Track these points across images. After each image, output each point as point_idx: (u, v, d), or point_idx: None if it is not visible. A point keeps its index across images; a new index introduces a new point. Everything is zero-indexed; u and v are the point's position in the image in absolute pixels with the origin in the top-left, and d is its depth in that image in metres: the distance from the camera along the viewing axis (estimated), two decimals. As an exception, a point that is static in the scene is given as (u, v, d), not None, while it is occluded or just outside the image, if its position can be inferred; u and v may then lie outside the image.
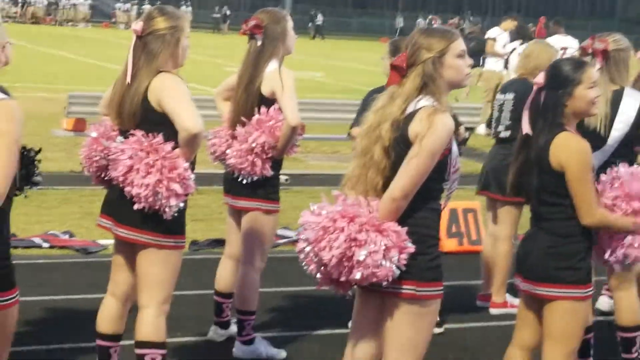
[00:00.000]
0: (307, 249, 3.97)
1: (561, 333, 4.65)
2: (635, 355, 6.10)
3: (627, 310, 6.04)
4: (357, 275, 3.87)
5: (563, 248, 4.61)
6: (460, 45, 4.15)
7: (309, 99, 17.04)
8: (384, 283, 3.94)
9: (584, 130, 5.67)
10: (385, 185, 4.02)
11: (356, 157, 4.17)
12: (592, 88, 4.63)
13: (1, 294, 3.63)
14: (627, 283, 6.02)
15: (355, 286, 4.10)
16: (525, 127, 4.70)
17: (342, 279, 3.94)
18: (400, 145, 4.02)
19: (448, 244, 9.55)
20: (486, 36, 18.55)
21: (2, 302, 3.64)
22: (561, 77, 4.61)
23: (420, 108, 4.03)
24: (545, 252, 4.64)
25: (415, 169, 3.96)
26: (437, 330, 6.85)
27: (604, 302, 7.45)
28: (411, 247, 3.94)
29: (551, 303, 4.64)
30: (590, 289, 4.66)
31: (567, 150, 4.55)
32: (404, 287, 4.01)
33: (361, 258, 3.85)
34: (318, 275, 4.03)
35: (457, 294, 7.92)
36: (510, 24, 18.05)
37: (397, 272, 3.93)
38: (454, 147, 4.12)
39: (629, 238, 4.73)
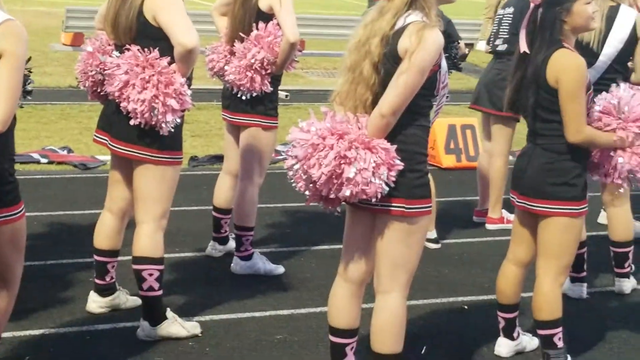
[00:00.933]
0: (296, 166, 3.97)
1: (556, 248, 4.69)
2: (628, 269, 6.17)
3: (621, 226, 6.09)
4: (347, 192, 3.88)
5: (559, 164, 4.62)
6: None
7: (309, 15, 16.94)
8: (373, 200, 3.95)
9: (577, 45, 5.68)
10: (375, 101, 4.01)
11: (345, 72, 4.13)
12: (589, 3, 4.60)
13: (10, 209, 3.70)
14: (621, 199, 6.06)
15: (344, 203, 4.12)
16: (523, 45, 4.68)
17: (332, 196, 3.96)
18: (389, 61, 3.99)
19: (446, 160, 9.59)
20: None
21: (10, 216, 3.70)
22: None
23: (409, 23, 4.00)
24: (541, 169, 4.65)
25: (404, 85, 3.94)
26: (434, 246, 6.92)
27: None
28: (400, 165, 3.94)
29: (546, 219, 4.67)
30: (585, 205, 4.68)
31: (563, 66, 4.53)
32: (393, 204, 4.03)
33: (351, 175, 3.85)
34: (307, 192, 4.05)
35: (455, 210, 7.99)
36: None
37: (387, 189, 3.94)
38: (443, 63, 4.10)
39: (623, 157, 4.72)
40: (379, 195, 3.92)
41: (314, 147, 3.90)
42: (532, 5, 4.68)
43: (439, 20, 4.11)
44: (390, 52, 3.99)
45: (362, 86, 4.04)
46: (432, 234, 6.94)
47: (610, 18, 5.73)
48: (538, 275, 4.74)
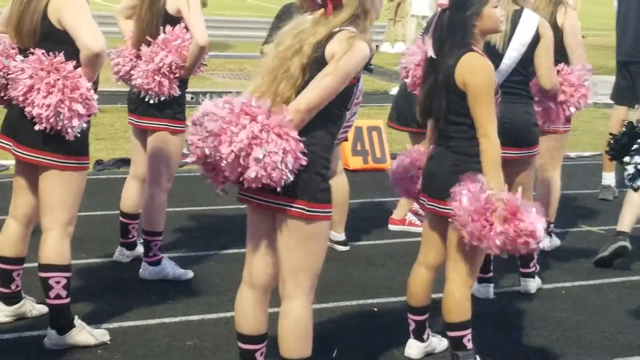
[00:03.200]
0: (209, 140, 3.90)
1: (460, 253, 4.71)
2: (533, 269, 6.29)
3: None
4: (252, 174, 3.82)
5: (468, 166, 4.64)
6: None
7: (214, 16, 16.88)
8: (278, 189, 3.92)
9: (484, 47, 5.77)
10: None
11: (265, 73, 4.11)
12: (496, 7, 4.67)
13: None
14: (525, 200, 6.12)
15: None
16: (430, 50, 4.72)
17: (232, 177, 3.92)
18: (315, 65, 4.01)
19: (353, 162, 9.65)
20: None
21: None
22: None
23: (340, 30, 4.03)
24: (450, 171, 4.67)
25: (326, 86, 3.95)
26: (343, 248, 6.96)
27: None
28: (304, 159, 3.93)
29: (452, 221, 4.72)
30: None
31: (471, 69, 4.59)
32: (295, 205, 4.03)
33: (260, 156, 3.83)
34: (199, 166, 4.00)
35: (363, 211, 8.04)
36: None
37: (291, 178, 3.91)
38: (361, 80, 4.15)
39: None
40: (283, 183, 3.90)
41: (228, 123, 3.87)
42: (439, 9, 4.73)
43: (369, 40, 4.15)
44: (318, 58, 4.00)
45: (286, 84, 4.02)
46: (341, 236, 6.98)
47: (514, 22, 5.84)
48: (447, 277, 4.78)
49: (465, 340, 4.78)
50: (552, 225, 7.23)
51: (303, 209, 4.03)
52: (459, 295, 4.74)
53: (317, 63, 4.00)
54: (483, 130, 4.57)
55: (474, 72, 4.59)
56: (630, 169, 5.04)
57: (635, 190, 5.16)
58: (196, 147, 3.98)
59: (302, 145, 3.93)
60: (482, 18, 4.65)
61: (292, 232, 4.07)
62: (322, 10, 4.11)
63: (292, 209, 4.03)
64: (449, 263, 4.78)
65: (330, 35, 4.02)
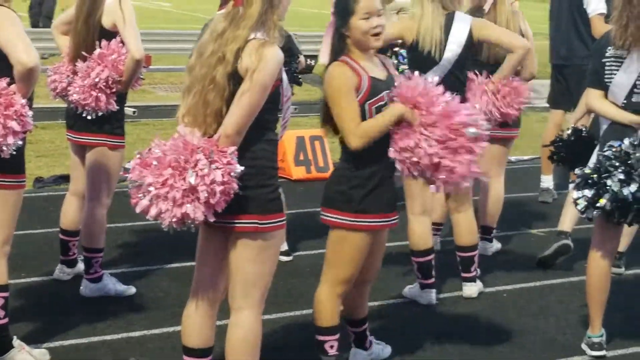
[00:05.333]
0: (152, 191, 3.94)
1: (331, 258, 4.72)
2: (474, 273, 6.34)
3: (466, 231, 6.25)
4: (203, 194, 3.87)
5: (341, 172, 4.65)
6: None
7: (156, 30, 16.81)
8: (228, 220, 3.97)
9: (419, 54, 5.83)
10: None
11: (192, 85, 4.09)
12: (366, 19, 4.55)
13: None
14: (465, 204, 6.22)
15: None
16: (323, 57, 4.73)
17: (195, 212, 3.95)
18: (235, 80, 4.01)
19: (296, 172, 9.65)
20: None
21: None
22: (340, 7, 4.60)
23: (250, 40, 4.03)
24: (330, 177, 4.73)
25: (247, 104, 3.96)
26: (286, 258, 6.96)
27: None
28: (236, 164, 3.95)
29: (332, 228, 4.71)
30: (365, 219, 4.60)
31: (325, 78, 4.59)
32: (247, 221, 4.05)
33: (192, 181, 3.87)
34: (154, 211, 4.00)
35: (306, 221, 8.04)
36: None
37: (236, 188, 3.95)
38: (284, 76, 4.15)
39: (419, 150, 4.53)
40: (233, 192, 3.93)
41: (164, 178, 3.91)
42: (332, 16, 4.71)
43: (281, 36, 4.15)
44: (232, 72, 4.00)
45: (215, 95, 4.02)
46: (284, 247, 6.98)
47: (447, 25, 5.90)
48: (320, 282, 4.79)
49: (327, 346, 4.77)
50: (495, 231, 7.32)
51: (256, 223, 4.06)
52: (325, 301, 4.74)
53: (234, 78, 4.00)
54: (346, 133, 4.51)
55: (326, 81, 4.59)
56: (582, 203, 5.10)
57: (590, 220, 5.23)
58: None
59: (231, 155, 3.94)
60: (350, 29, 4.57)
61: (246, 247, 4.09)
62: (231, 2, 4.09)
63: (246, 224, 4.06)
64: (324, 267, 4.78)
65: (245, 43, 4.01)
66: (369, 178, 4.60)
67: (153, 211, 3.96)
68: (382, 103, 4.57)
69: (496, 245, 7.37)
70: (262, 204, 4.06)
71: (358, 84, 4.53)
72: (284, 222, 4.17)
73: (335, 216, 4.63)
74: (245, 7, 4.07)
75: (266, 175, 4.09)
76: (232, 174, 3.93)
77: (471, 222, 6.25)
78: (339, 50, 4.61)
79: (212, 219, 3.96)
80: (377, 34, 4.57)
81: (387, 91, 4.60)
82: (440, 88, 4.59)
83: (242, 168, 3.97)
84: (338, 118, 4.54)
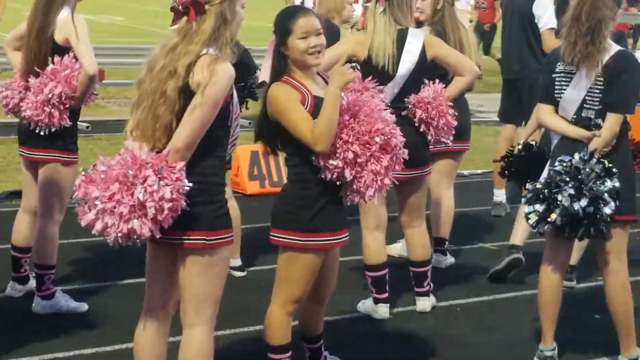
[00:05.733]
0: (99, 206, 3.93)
1: (282, 277, 4.72)
2: (427, 288, 6.37)
3: (419, 246, 6.28)
4: (151, 210, 3.86)
5: (289, 191, 4.66)
6: None
7: (110, 44, 16.74)
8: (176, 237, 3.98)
9: (374, 69, 5.86)
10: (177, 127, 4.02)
11: (141, 99, 4.08)
12: (304, 38, 4.56)
13: None
14: (418, 220, 6.25)
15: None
16: (263, 75, 4.74)
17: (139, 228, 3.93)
18: (186, 95, 4.01)
19: (250, 186, 9.64)
20: None
21: None
22: (278, 27, 4.61)
23: (202, 55, 4.03)
24: (278, 197, 4.73)
25: (198, 120, 3.97)
26: (240, 273, 6.96)
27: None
28: (185, 181, 3.94)
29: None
30: (314, 239, 4.61)
31: (270, 98, 4.57)
32: (195, 237, 4.05)
33: (141, 197, 3.86)
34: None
35: (260, 236, 8.01)
36: None
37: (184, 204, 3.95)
38: (234, 93, 4.17)
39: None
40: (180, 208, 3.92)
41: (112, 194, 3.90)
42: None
43: (233, 52, 4.16)
44: (183, 86, 4.00)
45: (165, 108, 4.02)
46: (237, 262, 6.97)
47: (401, 41, 5.94)
48: (271, 301, 4.79)
49: None
50: (447, 243, 7.38)
51: (204, 239, 4.06)
52: (277, 320, 4.75)
53: (185, 92, 4.01)
54: (310, 141, 4.46)
55: (272, 102, 4.56)
56: (533, 218, 5.16)
57: (542, 234, 5.29)
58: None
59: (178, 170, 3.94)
60: (289, 49, 4.57)
61: (195, 263, 4.09)
62: (185, 17, 4.10)
63: (193, 241, 4.06)
64: (274, 288, 4.78)
65: (194, 60, 4.03)
66: (316, 197, 4.60)
67: (99, 225, 3.94)
68: None
69: (450, 259, 7.42)
70: (210, 221, 4.07)
71: (302, 101, 4.53)
72: (232, 238, 4.17)
73: (284, 236, 4.63)
74: (199, 23, 4.07)
75: (214, 192, 4.10)
76: (180, 190, 3.93)
77: (424, 237, 6.29)
78: (279, 69, 4.61)
79: (158, 235, 3.95)
80: (315, 53, 4.57)
81: None
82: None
83: (191, 185, 3.97)
84: (295, 131, 4.52)
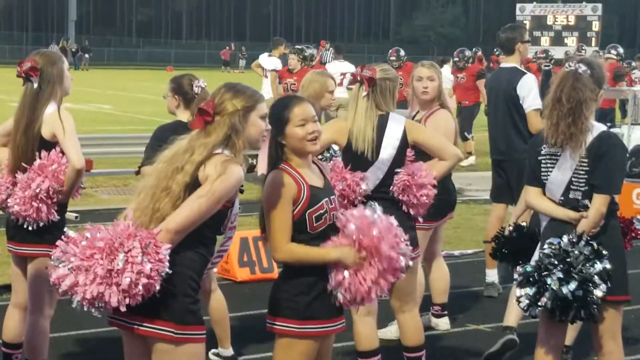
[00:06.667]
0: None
1: None
2: (420, 371, 6.32)
3: (412, 331, 6.24)
4: (126, 280, 3.85)
5: (286, 279, 4.63)
6: (264, 107, 4.32)
7: (97, 134, 16.82)
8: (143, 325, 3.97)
9: (353, 154, 5.88)
10: None
11: (144, 192, 4.13)
12: (302, 126, 4.59)
13: None
14: (410, 304, 6.22)
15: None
16: (261, 169, 4.78)
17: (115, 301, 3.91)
18: (190, 190, 4.05)
19: (240, 273, 9.59)
20: (258, 62, 18.36)
21: None
22: (274, 117, 4.63)
23: (216, 154, 4.09)
24: (274, 285, 4.70)
25: (198, 208, 4.00)
26: (227, 364, 6.88)
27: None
28: (166, 264, 3.94)
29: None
30: (311, 326, 4.59)
31: (265, 186, 4.58)
32: (163, 327, 4.05)
33: (120, 265, 3.85)
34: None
35: (251, 323, 7.98)
36: (279, 50, 18.37)
37: (167, 270, 3.93)
38: (236, 203, 4.20)
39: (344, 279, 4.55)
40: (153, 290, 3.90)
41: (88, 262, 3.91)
42: None
43: (246, 159, 4.21)
44: (190, 181, 4.04)
45: (168, 201, 4.05)
46: (229, 352, 6.91)
47: (381, 126, 5.97)
48: None
49: None
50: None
51: (172, 332, 4.05)
52: None
53: (193, 187, 4.04)
54: (273, 246, 4.50)
55: (265, 189, 4.57)
56: (524, 301, 5.16)
57: (534, 317, 5.28)
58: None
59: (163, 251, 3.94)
60: (287, 137, 4.59)
61: (164, 355, 4.05)
62: (197, 130, 4.18)
63: (161, 331, 4.05)
64: None
65: (208, 157, 4.08)
66: (312, 284, 4.58)
67: (68, 281, 3.91)
68: (322, 211, 4.57)
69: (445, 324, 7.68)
70: (180, 314, 4.07)
71: (297, 193, 4.53)
72: (203, 336, 4.14)
73: (281, 324, 4.60)
74: (209, 130, 4.17)
75: (189, 286, 4.10)
76: (160, 271, 3.93)
77: (417, 321, 6.26)
78: (276, 159, 4.64)
79: (123, 309, 3.92)
80: (314, 139, 4.62)
81: (326, 199, 4.62)
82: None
83: (170, 271, 3.96)
84: (269, 226, 4.52)
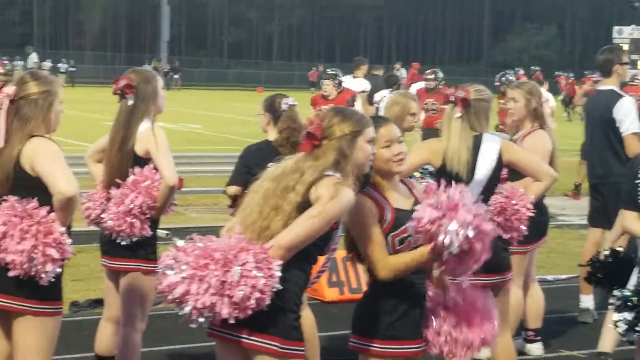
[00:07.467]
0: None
1: None
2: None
3: (505, 355, 6.15)
4: (240, 293, 3.86)
5: (370, 298, 4.57)
6: (372, 132, 4.30)
7: (187, 153, 17.04)
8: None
9: (448, 176, 5.82)
10: None
11: (250, 209, 4.16)
12: (388, 147, 4.53)
13: None
14: (504, 327, 6.12)
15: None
16: None
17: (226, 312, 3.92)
18: (301, 209, 4.07)
19: (329, 293, 9.57)
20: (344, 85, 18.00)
21: None
22: None
23: (327, 175, 4.11)
24: (359, 303, 4.66)
25: (310, 227, 4.03)
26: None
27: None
28: (277, 273, 3.95)
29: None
30: (393, 346, 4.53)
31: (350, 210, 4.34)
32: (267, 341, 4.04)
33: (235, 278, 3.87)
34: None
35: (338, 344, 7.95)
36: (361, 70, 18.05)
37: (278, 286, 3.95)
38: (341, 226, 4.20)
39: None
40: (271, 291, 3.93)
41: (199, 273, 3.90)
42: None
43: (356, 184, 4.23)
44: (302, 201, 4.07)
45: (279, 220, 4.07)
46: (315, 369, 6.89)
47: (476, 147, 5.91)
48: None
49: None
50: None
51: (277, 346, 4.04)
52: None
53: (304, 207, 4.05)
54: (375, 267, 4.45)
55: (350, 214, 4.36)
56: (622, 326, 5.06)
57: (631, 342, 5.17)
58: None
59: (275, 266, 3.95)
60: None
61: None
62: (305, 153, 4.21)
63: (264, 345, 4.04)
64: None
65: (319, 179, 4.09)
66: (397, 304, 4.53)
67: (180, 289, 3.90)
68: (405, 235, 4.48)
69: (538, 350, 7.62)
70: (285, 329, 4.07)
71: (381, 216, 4.48)
72: (303, 352, 4.15)
73: (363, 343, 4.56)
74: (317, 153, 4.18)
75: (293, 302, 4.11)
76: (271, 287, 3.94)
77: (509, 345, 6.17)
78: (363, 181, 4.55)
79: (231, 321, 3.93)
80: (399, 160, 4.58)
81: None
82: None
83: (280, 287, 3.97)
84: (365, 249, 4.48)
